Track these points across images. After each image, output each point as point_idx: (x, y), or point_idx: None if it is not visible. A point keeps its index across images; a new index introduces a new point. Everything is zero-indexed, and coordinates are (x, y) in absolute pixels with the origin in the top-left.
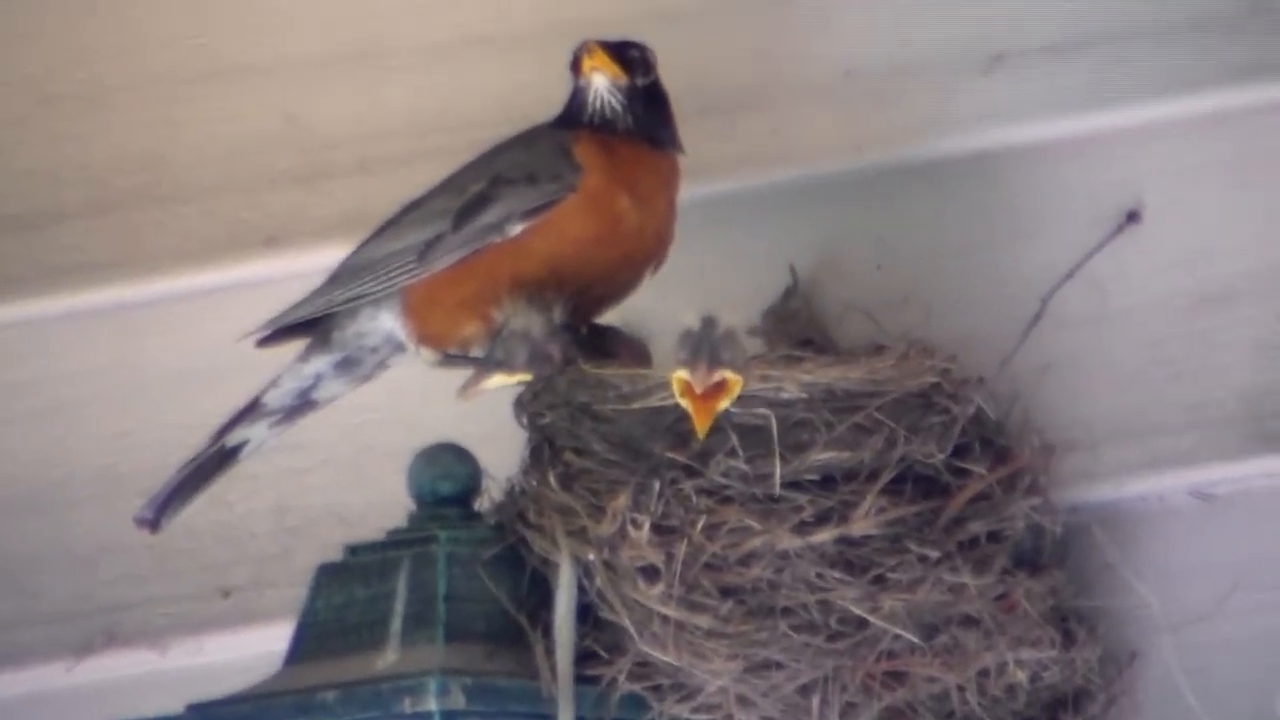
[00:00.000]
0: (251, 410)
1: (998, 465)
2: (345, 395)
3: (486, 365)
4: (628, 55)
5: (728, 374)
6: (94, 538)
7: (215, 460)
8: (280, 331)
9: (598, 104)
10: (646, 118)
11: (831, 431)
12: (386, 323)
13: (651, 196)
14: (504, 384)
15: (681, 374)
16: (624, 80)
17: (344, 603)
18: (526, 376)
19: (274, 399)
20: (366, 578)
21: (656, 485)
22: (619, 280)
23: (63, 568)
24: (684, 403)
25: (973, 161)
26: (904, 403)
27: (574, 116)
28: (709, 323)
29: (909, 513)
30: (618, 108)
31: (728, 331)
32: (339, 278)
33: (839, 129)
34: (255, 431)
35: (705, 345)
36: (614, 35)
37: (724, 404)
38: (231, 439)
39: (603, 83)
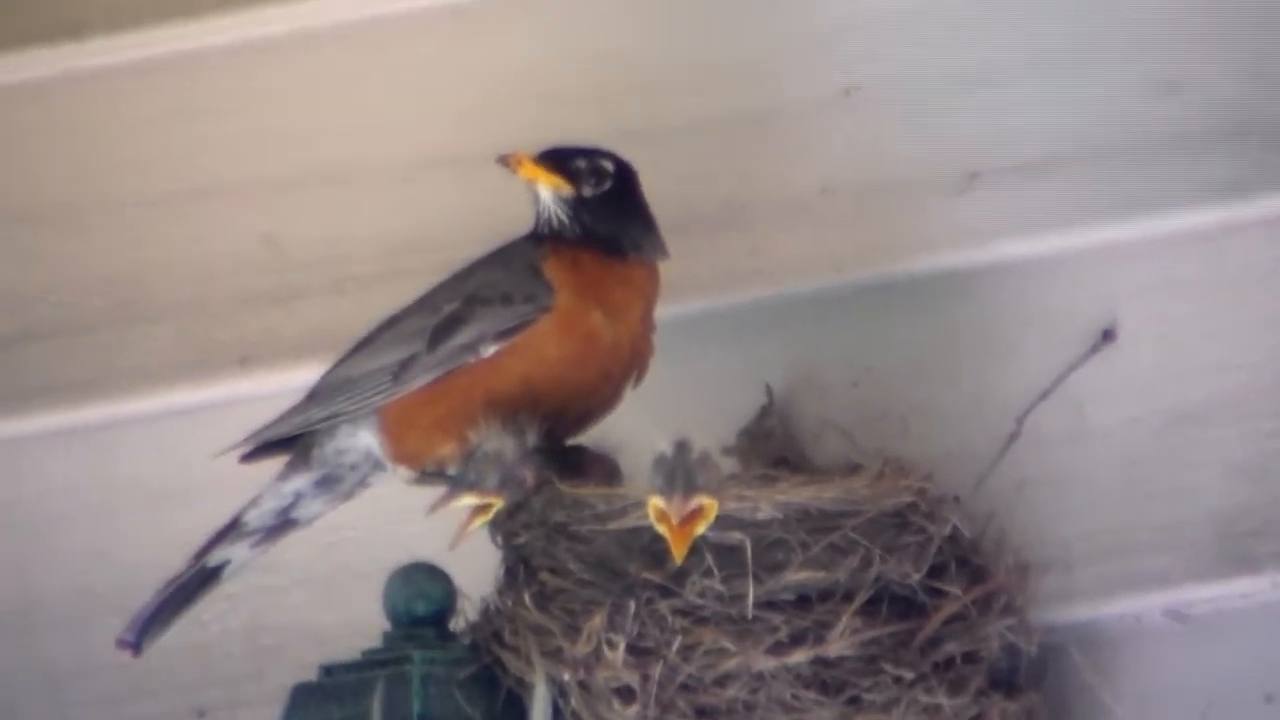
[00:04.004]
0: (232, 530)
1: (973, 585)
2: (326, 515)
3: (458, 485)
4: (571, 166)
5: (703, 499)
6: (68, 659)
7: (197, 581)
8: (261, 449)
9: (545, 214)
10: (601, 226)
11: (807, 552)
12: (365, 440)
13: (624, 308)
14: (474, 505)
15: (657, 501)
16: (567, 190)
17: None
18: (498, 500)
19: (254, 518)
20: (341, 698)
21: (632, 605)
22: (598, 397)
23: (37, 688)
24: (661, 529)
25: (949, 280)
26: (879, 522)
27: (535, 228)
28: (682, 447)
29: (884, 633)
30: (564, 218)
31: (702, 455)
32: (316, 395)
33: (816, 247)
34: (236, 551)
35: (680, 471)
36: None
37: (701, 528)
38: (212, 559)
39: (547, 194)
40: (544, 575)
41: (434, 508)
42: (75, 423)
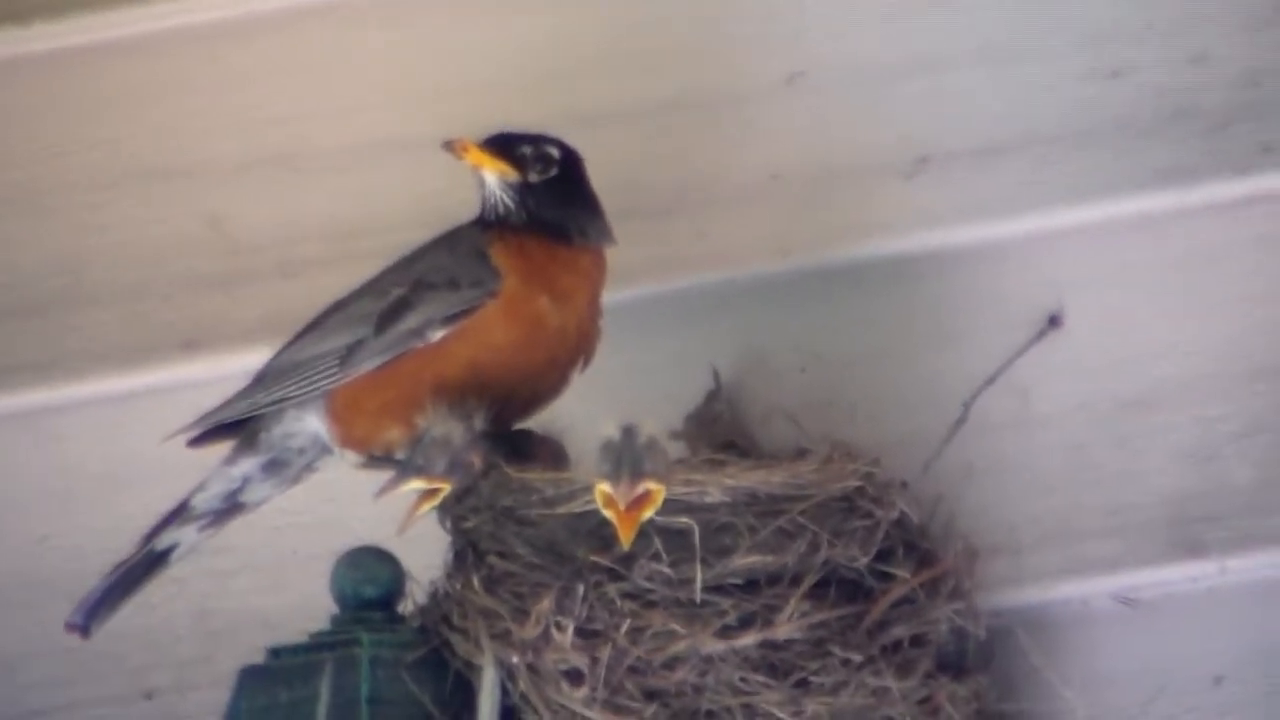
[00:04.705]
0: (180, 513)
1: (921, 569)
2: (273, 499)
3: (406, 470)
4: (516, 152)
5: (651, 485)
6: (15, 642)
7: (145, 564)
8: (208, 433)
9: (491, 200)
10: (548, 212)
11: (755, 536)
12: (312, 424)
13: (571, 293)
14: (422, 489)
15: (604, 486)
16: (513, 176)
17: (266, 705)
18: (446, 484)
19: (202, 502)
20: (289, 681)
21: (580, 589)
22: (545, 382)
23: None
24: (608, 514)
25: (897, 265)
26: (827, 506)
27: (481, 213)
28: (630, 432)
29: (832, 616)
30: (509, 204)
31: (649, 440)
32: (264, 379)
33: (764, 232)
34: (184, 535)
35: (627, 457)
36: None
37: (648, 514)
38: (160, 543)
39: (493, 179)
40: (492, 559)
41: (382, 492)
42: (21, 406)
